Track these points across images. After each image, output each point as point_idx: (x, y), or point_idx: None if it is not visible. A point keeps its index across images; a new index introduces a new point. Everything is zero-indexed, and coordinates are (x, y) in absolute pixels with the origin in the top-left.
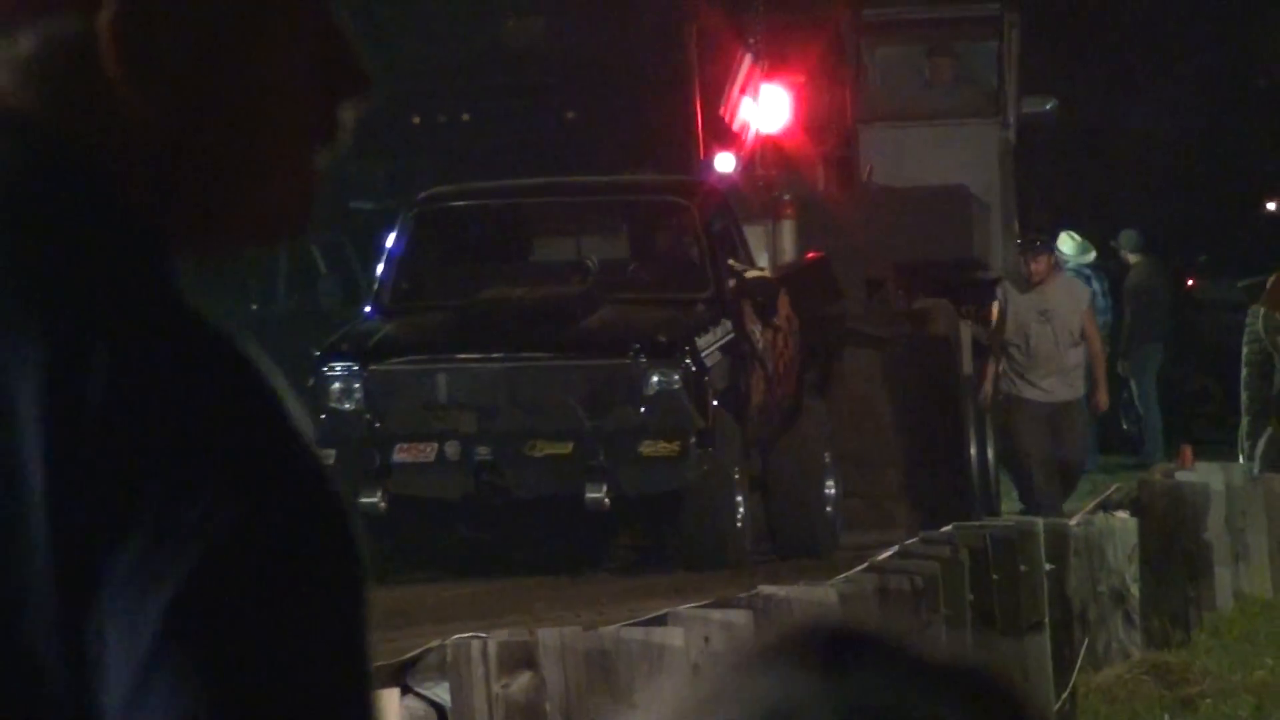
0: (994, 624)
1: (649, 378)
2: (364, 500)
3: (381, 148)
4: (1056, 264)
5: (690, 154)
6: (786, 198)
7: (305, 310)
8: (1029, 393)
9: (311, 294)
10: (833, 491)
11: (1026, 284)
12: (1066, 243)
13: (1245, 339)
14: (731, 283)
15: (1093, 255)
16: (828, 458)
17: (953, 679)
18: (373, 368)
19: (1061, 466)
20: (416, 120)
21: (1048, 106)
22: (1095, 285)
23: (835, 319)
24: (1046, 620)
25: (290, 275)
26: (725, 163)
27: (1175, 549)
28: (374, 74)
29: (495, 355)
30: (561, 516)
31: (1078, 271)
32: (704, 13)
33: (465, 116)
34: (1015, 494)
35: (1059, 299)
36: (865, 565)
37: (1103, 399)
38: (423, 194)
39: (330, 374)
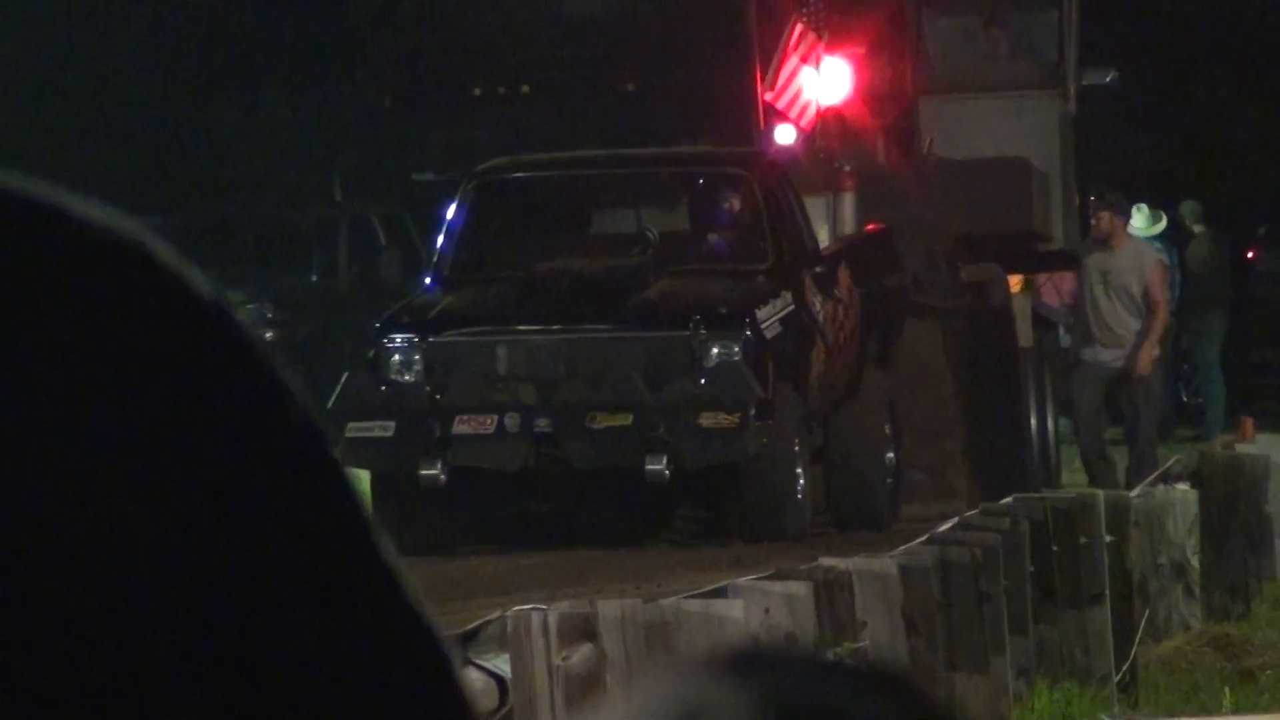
0: (1054, 596)
1: (709, 349)
2: (424, 472)
3: (442, 119)
4: (1125, 226)
5: (750, 125)
6: (847, 169)
7: (366, 282)
8: (1086, 354)
9: (372, 266)
10: (892, 463)
11: (1095, 243)
12: (1136, 215)
13: None
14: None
15: (1163, 225)
16: (888, 429)
17: (870, 678)
18: (432, 340)
19: (1125, 436)
20: (477, 92)
21: (1108, 78)
22: (1165, 258)
23: (895, 290)
24: (1107, 592)
25: (351, 247)
26: (786, 134)
27: (1235, 521)
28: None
29: (555, 327)
30: (621, 488)
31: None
32: None
33: (525, 88)
34: (1076, 465)
35: (1123, 263)
36: (925, 537)
37: (1142, 363)
38: (482, 166)
39: (390, 346)
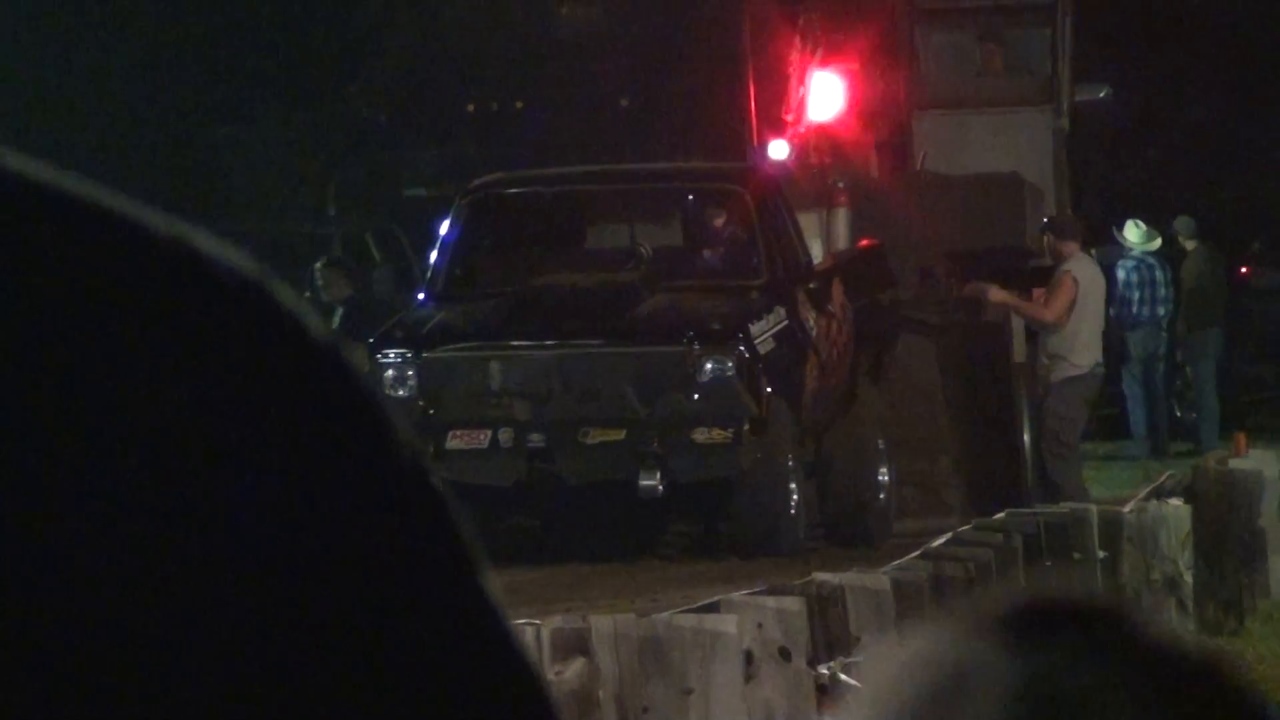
0: None
1: (702, 365)
2: None
3: (435, 135)
4: (1070, 248)
5: (744, 141)
6: (840, 185)
7: (362, 297)
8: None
9: (366, 282)
10: (886, 479)
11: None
12: (1132, 230)
13: None
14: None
15: (1158, 243)
16: (881, 444)
17: (1164, 666)
18: (426, 355)
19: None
20: (470, 108)
21: (1101, 94)
22: (1158, 274)
23: (888, 306)
24: None
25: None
26: (779, 150)
27: (1228, 536)
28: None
29: (548, 342)
30: (614, 503)
31: (1141, 260)
32: (759, 0)
33: (519, 104)
34: None
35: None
36: (919, 552)
37: (992, 293)
38: (476, 181)
39: (384, 361)
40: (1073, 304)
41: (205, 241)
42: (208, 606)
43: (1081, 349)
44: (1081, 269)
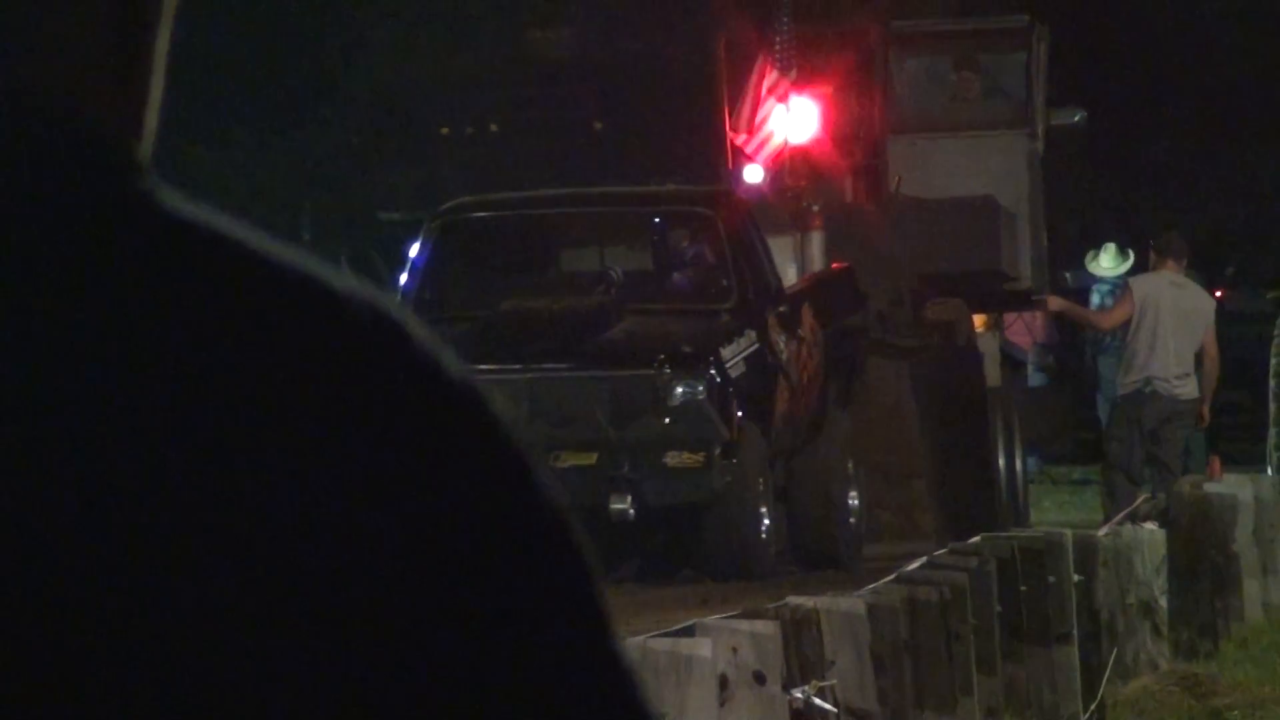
0: (1022, 635)
1: (673, 388)
2: None
3: (409, 158)
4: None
5: (718, 164)
6: (815, 209)
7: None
8: None
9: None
10: (856, 503)
11: None
12: (1106, 256)
13: (1274, 350)
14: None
15: (1129, 264)
16: (851, 469)
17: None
18: None
19: None
20: (444, 131)
21: (1075, 118)
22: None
23: (858, 330)
24: (1074, 631)
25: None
26: (754, 174)
27: (1203, 561)
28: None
29: (518, 366)
30: (586, 527)
31: (1115, 285)
32: (733, 24)
33: (493, 127)
34: (1044, 504)
35: None
36: (893, 576)
37: None
38: (446, 205)
39: None
40: (1129, 317)
41: (339, 277)
42: (341, 653)
43: (1126, 366)
44: (1142, 285)
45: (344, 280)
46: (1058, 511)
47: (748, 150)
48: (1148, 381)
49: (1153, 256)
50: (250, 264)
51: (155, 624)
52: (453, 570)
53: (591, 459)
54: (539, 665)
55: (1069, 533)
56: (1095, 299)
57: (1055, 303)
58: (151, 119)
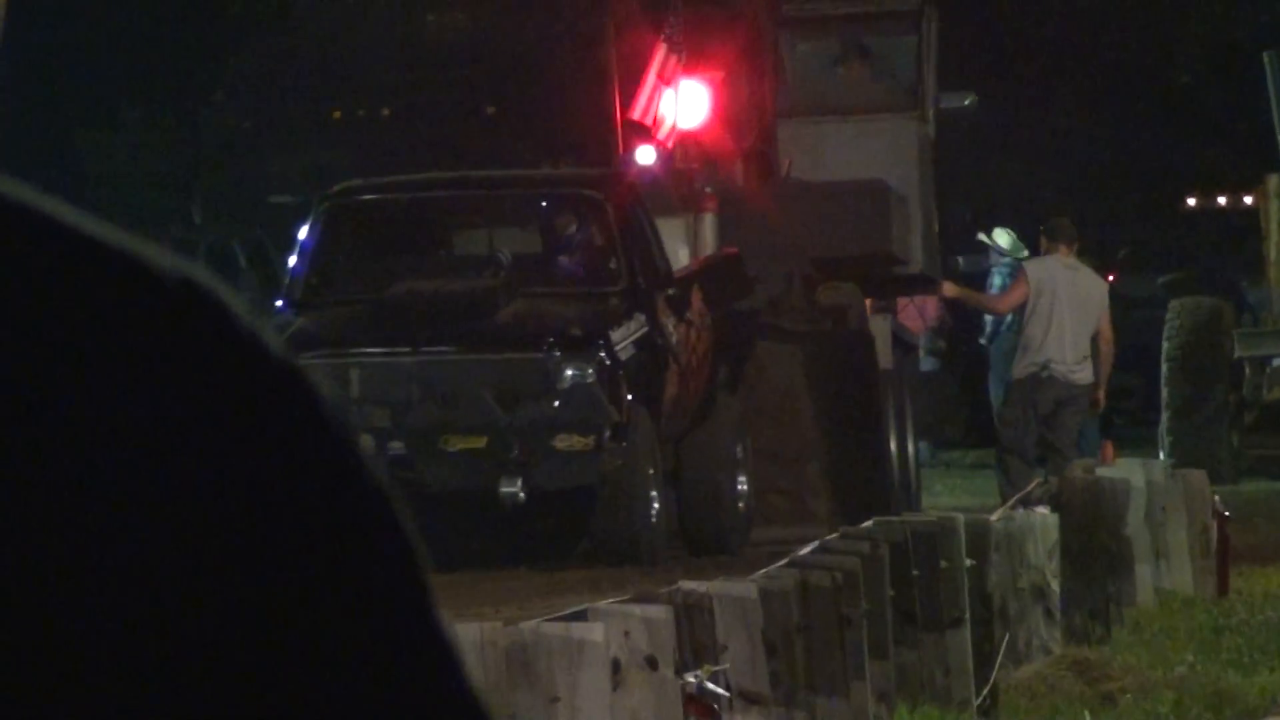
0: (915, 620)
1: (563, 371)
2: None
3: (302, 142)
4: (1045, 249)
5: (610, 148)
6: (707, 191)
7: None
8: None
9: (231, 289)
10: (745, 487)
11: None
12: (1003, 236)
13: (1166, 334)
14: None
15: (1025, 252)
16: (740, 453)
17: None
18: None
19: None
20: (337, 115)
21: (966, 102)
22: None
23: (747, 314)
24: (967, 616)
25: (209, 270)
26: (646, 156)
27: (1096, 545)
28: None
29: (407, 350)
30: (477, 511)
31: (1014, 267)
32: (624, 6)
33: (385, 111)
34: (936, 489)
35: None
36: (785, 560)
37: None
38: (334, 188)
39: None
40: (1024, 300)
41: (159, 255)
42: (163, 628)
43: (1022, 349)
44: (1037, 269)
45: (162, 256)
46: (950, 495)
47: (648, 133)
48: (1045, 365)
49: (1043, 241)
50: (59, 237)
51: None
52: (269, 550)
53: (481, 443)
54: (359, 644)
55: (961, 517)
56: (996, 280)
57: (949, 288)
58: None
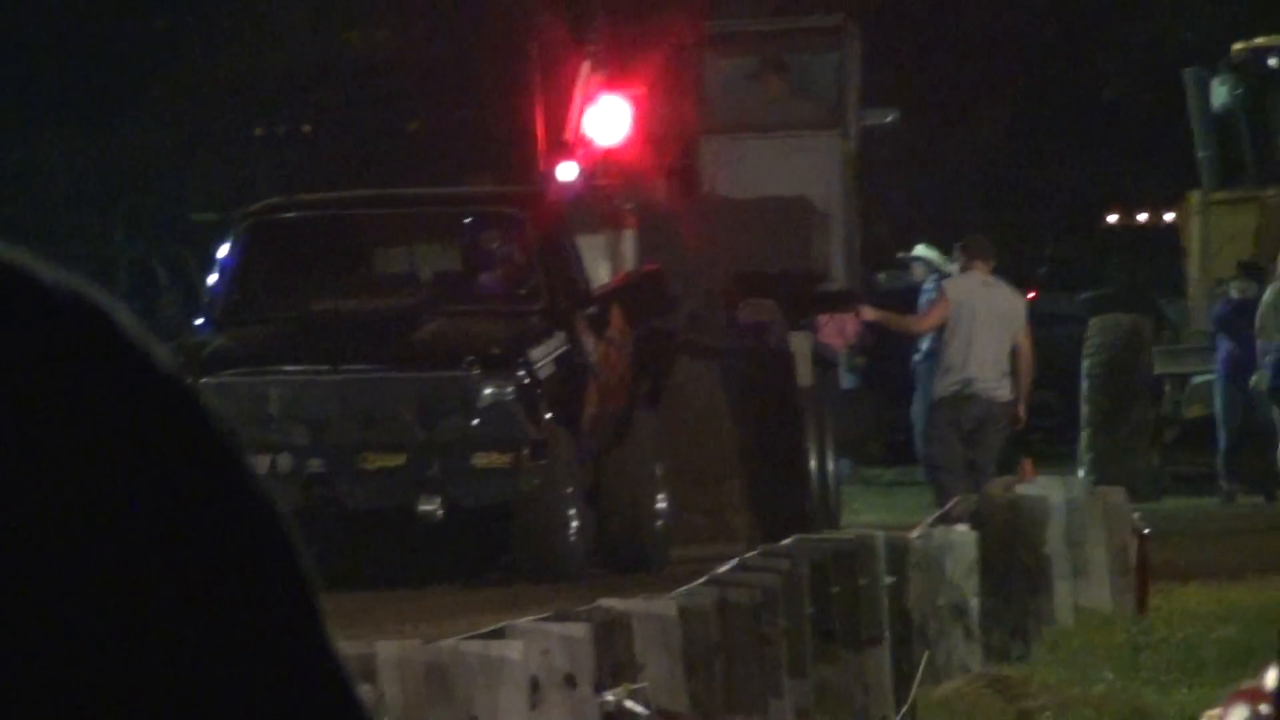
0: (834, 637)
1: (482, 389)
2: None
3: (223, 159)
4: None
5: (531, 165)
6: (629, 208)
7: (145, 323)
8: None
9: (152, 306)
10: (664, 505)
11: None
12: (926, 252)
13: (1086, 351)
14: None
15: (949, 266)
16: (659, 471)
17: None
18: (204, 380)
19: None
20: (258, 131)
21: (889, 119)
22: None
23: (667, 332)
24: (886, 634)
25: (130, 287)
26: (567, 173)
27: (1015, 562)
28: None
29: (326, 367)
30: (396, 529)
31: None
32: (546, 24)
33: (306, 128)
34: (856, 506)
35: None
36: (705, 579)
37: None
38: (254, 206)
39: None
40: (944, 320)
41: (47, 269)
42: (33, 643)
43: (944, 369)
44: (956, 287)
45: (51, 272)
46: (869, 513)
47: (569, 149)
48: (968, 383)
49: (961, 258)
50: None
51: None
52: (155, 564)
53: (400, 460)
54: (246, 658)
55: (881, 535)
56: (923, 298)
57: (868, 312)
58: None
